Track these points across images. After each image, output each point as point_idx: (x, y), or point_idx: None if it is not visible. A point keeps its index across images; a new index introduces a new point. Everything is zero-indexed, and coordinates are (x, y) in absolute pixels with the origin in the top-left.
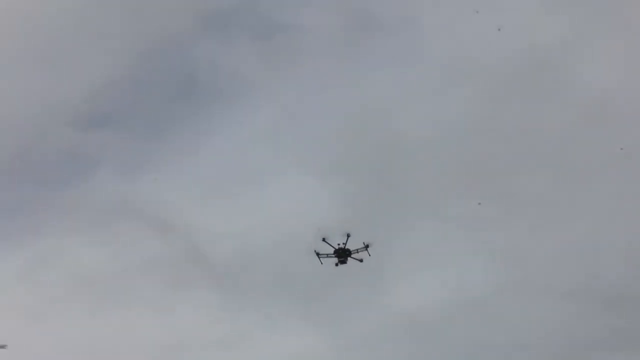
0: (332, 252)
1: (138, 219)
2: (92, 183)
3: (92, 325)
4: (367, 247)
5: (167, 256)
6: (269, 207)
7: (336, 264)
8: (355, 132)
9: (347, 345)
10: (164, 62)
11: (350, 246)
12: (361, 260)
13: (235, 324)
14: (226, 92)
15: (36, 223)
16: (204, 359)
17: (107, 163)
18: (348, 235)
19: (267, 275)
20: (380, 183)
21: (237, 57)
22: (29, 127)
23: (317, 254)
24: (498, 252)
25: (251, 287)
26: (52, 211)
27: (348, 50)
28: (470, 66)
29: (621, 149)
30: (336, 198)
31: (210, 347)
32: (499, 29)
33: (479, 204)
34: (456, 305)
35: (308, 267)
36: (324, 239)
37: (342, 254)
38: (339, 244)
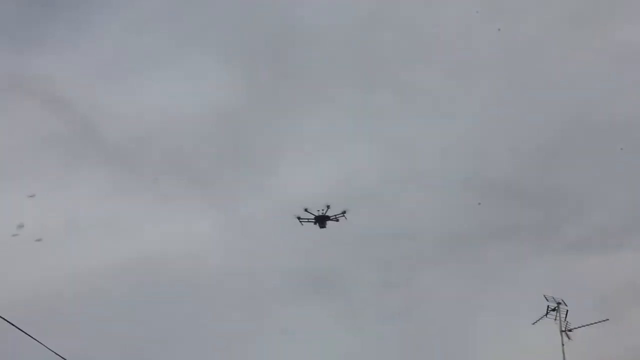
0: (313, 218)
1: (29, 95)
2: None
3: None
4: (344, 213)
5: (59, 134)
6: (165, 88)
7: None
8: (255, 17)
9: (237, 228)
10: None
11: (330, 213)
12: (337, 220)
13: (127, 204)
14: None
15: None
16: (93, 238)
17: None
18: (328, 207)
19: (162, 157)
20: (277, 69)
21: None
22: None
23: (299, 219)
24: (389, 142)
25: (146, 168)
26: None
27: None
28: None
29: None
30: (233, 83)
31: (100, 226)
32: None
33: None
34: (346, 193)
35: (203, 150)
36: (305, 209)
37: (322, 220)
38: (319, 211)
